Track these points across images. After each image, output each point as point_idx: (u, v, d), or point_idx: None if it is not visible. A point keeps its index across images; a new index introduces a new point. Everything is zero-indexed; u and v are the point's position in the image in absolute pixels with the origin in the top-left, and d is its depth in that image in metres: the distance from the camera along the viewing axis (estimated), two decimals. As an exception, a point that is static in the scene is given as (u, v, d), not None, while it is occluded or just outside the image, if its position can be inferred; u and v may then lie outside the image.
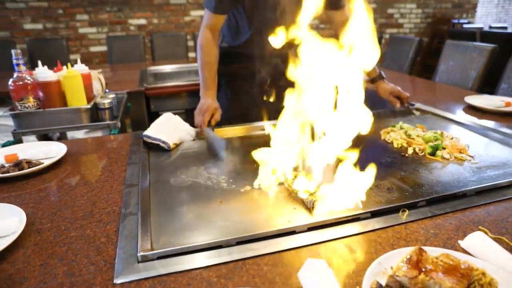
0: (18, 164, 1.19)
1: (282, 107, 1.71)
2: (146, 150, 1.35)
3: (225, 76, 1.71)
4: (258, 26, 1.59)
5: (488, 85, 2.58)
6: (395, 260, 0.69)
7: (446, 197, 0.98)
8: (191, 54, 4.74)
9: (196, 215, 0.93)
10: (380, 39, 4.01)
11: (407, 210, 0.91)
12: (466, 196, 1.00)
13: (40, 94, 1.71)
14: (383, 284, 0.65)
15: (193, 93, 2.83)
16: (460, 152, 1.25)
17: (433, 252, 0.71)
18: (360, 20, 0.95)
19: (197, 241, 0.81)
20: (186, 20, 5.50)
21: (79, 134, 2.41)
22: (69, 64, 1.78)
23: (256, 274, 0.72)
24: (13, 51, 1.60)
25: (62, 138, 2.64)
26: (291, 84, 1.77)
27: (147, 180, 1.12)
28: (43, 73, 1.70)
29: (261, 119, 1.59)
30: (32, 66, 1.86)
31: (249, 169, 1.18)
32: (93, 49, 5.23)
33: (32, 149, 1.33)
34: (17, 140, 1.73)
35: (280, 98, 1.76)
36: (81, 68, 1.89)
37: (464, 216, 0.91)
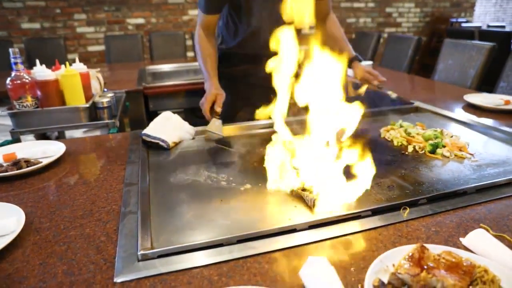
0: (16, 163, 1.18)
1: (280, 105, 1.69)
2: (145, 149, 1.34)
3: (224, 77, 1.70)
4: (255, 25, 1.58)
5: (486, 83, 2.59)
6: (397, 258, 0.69)
7: (446, 194, 0.98)
8: (190, 53, 4.73)
9: (196, 213, 0.93)
10: (378, 38, 4.01)
11: (408, 208, 0.91)
12: (466, 194, 0.99)
13: (38, 93, 1.71)
14: (385, 281, 0.65)
15: (192, 92, 2.82)
16: (460, 150, 1.25)
17: (434, 249, 0.71)
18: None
19: (198, 239, 0.80)
20: (185, 19, 5.49)
21: (78, 134, 2.40)
22: (67, 63, 1.77)
23: (257, 272, 0.71)
24: (11, 50, 1.59)
25: (60, 137, 2.63)
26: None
27: (147, 179, 1.11)
28: (41, 72, 1.69)
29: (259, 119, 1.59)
30: (29, 65, 1.85)
31: (249, 168, 1.18)
32: (91, 48, 5.22)
33: (31, 148, 1.32)
34: (15, 140, 1.72)
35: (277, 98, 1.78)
36: (79, 67, 1.89)
37: (465, 214, 0.90)
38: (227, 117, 1.60)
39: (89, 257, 0.77)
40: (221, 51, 1.70)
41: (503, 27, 7.13)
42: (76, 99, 1.77)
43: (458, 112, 1.74)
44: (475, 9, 7.59)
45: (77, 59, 1.97)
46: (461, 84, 2.60)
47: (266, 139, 1.39)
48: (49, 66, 1.80)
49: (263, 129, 1.55)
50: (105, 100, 1.86)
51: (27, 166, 1.18)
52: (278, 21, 1.56)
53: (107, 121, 1.87)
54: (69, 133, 2.50)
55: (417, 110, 1.83)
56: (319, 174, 0.97)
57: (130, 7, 5.20)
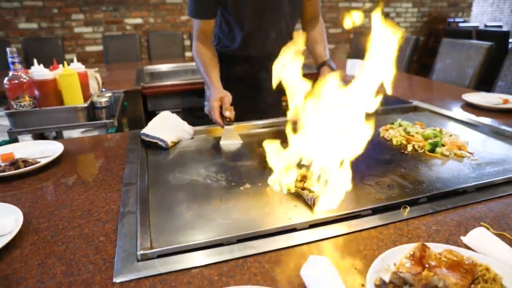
0: (14, 163, 1.17)
1: (278, 107, 1.69)
2: (144, 149, 1.34)
3: (221, 78, 1.69)
4: (248, 28, 1.57)
5: (483, 83, 2.59)
6: (398, 257, 0.68)
7: (446, 193, 0.98)
8: (188, 53, 4.73)
9: (196, 213, 0.92)
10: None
11: (408, 207, 0.91)
12: (466, 192, 0.99)
13: (36, 93, 1.70)
14: (387, 280, 0.64)
15: (190, 92, 2.82)
16: (460, 149, 1.25)
17: (436, 248, 0.70)
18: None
19: (198, 239, 0.80)
20: (183, 19, 5.49)
21: (76, 134, 2.39)
22: (65, 63, 1.76)
23: (258, 272, 0.71)
24: (8, 49, 1.58)
25: (58, 137, 2.61)
26: (278, 90, 1.76)
27: (146, 179, 1.11)
28: (39, 71, 1.68)
29: (257, 119, 1.58)
30: (27, 66, 1.84)
31: (248, 167, 1.17)
32: (88, 48, 5.21)
33: (29, 148, 1.31)
34: (13, 140, 1.71)
35: (275, 98, 1.77)
36: (77, 66, 1.88)
37: (465, 212, 0.90)
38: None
39: (88, 257, 0.77)
40: (218, 52, 1.69)
41: (500, 26, 7.16)
42: (74, 99, 1.76)
43: (457, 111, 1.74)
44: (472, 9, 7.62)
45: (75, 59, 1.96)
46: (459, 84, 2.60)
47: (265, 138, 1.39)
48: (46, 66, 1.79)
49: (262, 128, 1.55)
50: (103, 100, 1.85)
51: (25, 166, 1.17)
52: (271, 25, 1.57)
53: (105, 121, 1.86)
54: (67, 133, 2.49)
55: (416, 109, 1.83)
56: (321, 171, 0.97)
57: (128, 7, 5.18)
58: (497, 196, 0.98)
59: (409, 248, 0.69)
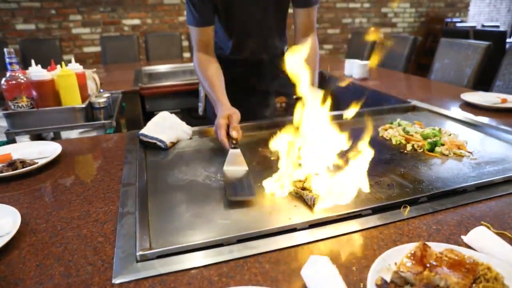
0: (12, 164, 1.17)
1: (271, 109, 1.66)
2: (142, 149, 1.33)
3: None
4: (237, 38, 1.55)
5: (480, 83, 2.60)
6: (399, 256, 0.68)
7: (446, 192, 0.98)
8: (186, 54, 4.72)
9: (195, 213, 0.91)
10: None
11: (408, 206, 0.91)
12: (466, 191, 0.99)
13: (34, 93, 1.69)
14: (388, 280, 0.64)
15: (188, 93, 2.82)
16: (459, 148, 1.25)
17: (436, 247, 0.70)
18: None
19: (197, 239, 0.79)
20: (180, 20, 5.49)
21: (74, 134, 2.38)
22: (63, 63, 1.76)
23: (258, 272, 0.71)
24: (5, 50, 1.57)
25: (56, 138, 2.61)
26: (279, 88, 1.76)
27: (145, 179, 1.10)
28: (36, 72, 1.68)
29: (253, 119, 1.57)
30: (25, 67, 1.83)
31: (247, 167, 1.17)
32: (86, 49, 5.20)
33: (26, 149, 1.31)
34: (10, 140, 1.71)
35: (270, 99, 1.77)
36: (75, 67, 1.87)
37: (466, 212, 0.90)
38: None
39: (87, 258, 0.76)
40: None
41: (497, 26, 7.18)
42: (72, 99, 1.76)
43: (456, 111, 1.74)
44: (469, 9, 7.65)
45: (73, 60, 1.96)
46: (458, 83, 2.60)
47: (263, 139, 1.39)
48: (44, 67, 1.78)
49: (260, 129, 1.54)
50: (101, 100, 1.84)
51: (23, 167, 1.16)
52: (263, 30, 1.55)
53: (103, 121, 1.85)
54: (65, 134, 2.48)
55: (414, 109, 1.83)
56: (320, 172, 0.97)
57: (126, 8, 5.18)
58: (497, 195, 0.97)
59: (410, 247, 0.69)
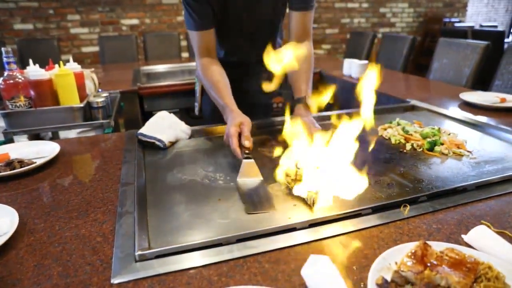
0: (9, 164, 1.16)
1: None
2: (141, 149, 1.32)
3: None
4: (230, 39, 1.54)
5: (478, 82, 2.60)
6: (399, 256, 0.68)
7: (446, 192, 0.97)
8: (184, 54, 4.71)
9: (194, 213, 0.91)
10: (373, 38, 4.02)
11: (408, 206, 0.90)
12: (466, 190, 0.99)
13: (32, 93, 1.68)
14: (388, 279, 0.64)
15: (187, 93, 2.80)
16: (458, 148, 1.25)
17: (437, 246, 0.70)
18: None
19: (196, 239, 0.79)
20: (179, 20, 5.48)
21: (72, 134, 2.37)
22: (61, 62, 1.75)
23: (258, 272, 0.70)
24: (3, 49, 1.57)
25: (54, 138, 2.59)
26: (270, 92, 1.75)
27: (143, 179, 1.10)
28: (34, 71, 1.67)
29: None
30: (22, 66, 1.82)
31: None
32: (85, 49, 5.19)
33: (24, 149, 1.30)
34: (8, 140, 1.70)
35: (266, 99, 1.76)
36: (73, 66, 1.86)
37: (466, 211, 0.90)
38: (213, 122, 1.57)
39: (85, 258, 0.75)
40: None
41: (496, 26, 7.20)
42: (70, 99, 1.75)
43: (455, 110, 1.74)
44: (467, 9, 7.66)
45: (71, 60, 1.95)
46: (456, 83, 2.61)
47: (261, 139, 1.38)
48: (42, 67, 1.77)
49: (259, 129, 1.54)
50: (99, 100, 1.84)
51: (21, 167, 1.16)
52: (256, 34, 1.54)
53: (101, 121, 1.84)
54: (63, 134, 2.47)
55: (414, 108, 1.83)
56: (320, 173, 0.97)
57: (124, 8, 5.17)
58: (497, 194, 0.97)
59: (410, 246, 0.68)
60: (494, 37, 4.55)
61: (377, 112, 1.74)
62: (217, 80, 1.39)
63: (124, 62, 4.03)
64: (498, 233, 0.79)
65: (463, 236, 0.79)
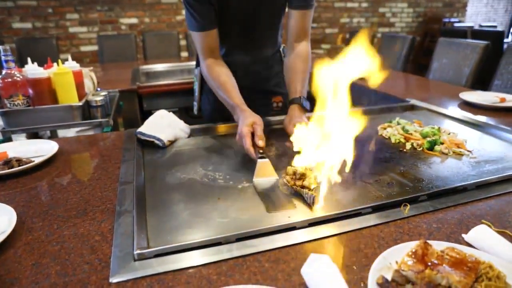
0: (7, 162, 1.15)
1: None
2: (140, 148, 1.32)
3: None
4: (230, 39, 1.53)
5: (477, 82, 2.60)
6: (399, 255, 0.67)
7: (447, 191, 0.97)
8: (183, 53, 4.71)
9: (193, 212, 0.90)
10: (372, 38, 4.02)
11: (408, 205, 0.90)
12: (466, 190, 0.99)
13: (30, 91, 1.67)
14: (389, 279, 0.63)
15: (186, 92, 2.80)
16: (458, 147, 1.25)
17: (438, 246, 0.69)
18: None
19: (195, 238, 0.78)
20: (178, 19, 5.47)
21: (71, 133, 2.37)
22: (59, 61, 1.74)
23: (257, 271, 0.70)
24: (1, 48, 1.56)
25: (52, 137, 2.59)
26: (274, 88, 1.74)
27: (142, 178, 1.09)
28: (33, 70, 1.66)
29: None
30: (21, 65, 1.82)
31: (246, 166, 1.16)
32: (83, 48, 5.18)
33: (23, 147, 1.29)
34: (6, 139, 1.69)
35: (265, 99, 1.75)
36: (72, 65, 1.86)
37: (466, 210, 0.90)
38: (224, 118, 1.56)
39: (84, 257, 0.75)
40: None
41: (495, 26, 7.21)
42: (69, 97, 1.74)
43: (454, 110, 1.73)
44: (467, 9, 7.67)
45: (69, 58, 1.94)
46: (456, 83, 2.61)
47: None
48: (41, 66, 1.77)
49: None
50: (98, 98, 1.83)
51: (19, 165, 1.15)
52: (255, 34, 1.53)
53: (100, 120, 1.84)
54: (62, 133, 2.46)
55: (413, 108, 1.82)
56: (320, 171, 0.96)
57: (123, 7, 5.16)
58: (497, 193, 0.97)
59: (411, 246, 0.68)
60: (493, 37, 4.55)
61: (377, 111, 1.74)
62: (224, 81, 1.38)
63: (123, 61, 4.02)
64: (498, 232, 0.78)
65: (463, 235, 0.78)
